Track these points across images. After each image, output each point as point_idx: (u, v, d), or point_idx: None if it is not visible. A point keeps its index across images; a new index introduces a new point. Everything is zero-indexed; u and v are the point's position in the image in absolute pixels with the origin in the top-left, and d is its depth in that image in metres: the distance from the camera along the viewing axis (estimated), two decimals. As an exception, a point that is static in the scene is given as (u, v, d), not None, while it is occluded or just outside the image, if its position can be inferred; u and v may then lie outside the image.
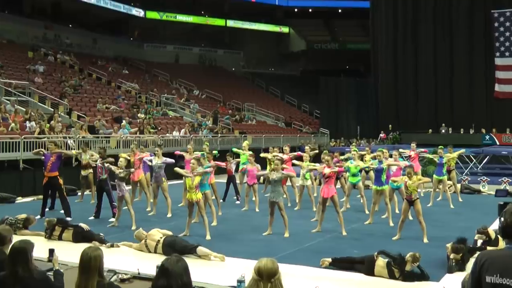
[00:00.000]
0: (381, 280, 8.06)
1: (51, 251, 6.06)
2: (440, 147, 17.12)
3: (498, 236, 8.54)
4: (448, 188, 16.62)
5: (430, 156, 17.63)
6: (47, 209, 13.83)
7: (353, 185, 14.79)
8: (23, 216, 11.31)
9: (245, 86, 49.41)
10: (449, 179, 17.03)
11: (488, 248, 8.53)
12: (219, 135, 29.92)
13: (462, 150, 18.95)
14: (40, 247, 7.52)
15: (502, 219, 3.40)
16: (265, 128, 36.78)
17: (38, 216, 12.64)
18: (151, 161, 14.80)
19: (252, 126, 36.64)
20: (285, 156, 15.63)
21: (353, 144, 25.28)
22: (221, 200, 15.41)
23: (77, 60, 36.73)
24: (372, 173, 14.41)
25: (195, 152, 15.35)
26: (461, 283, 6.68)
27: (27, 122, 20.88)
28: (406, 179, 11.02)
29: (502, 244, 7.81)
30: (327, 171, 11.77)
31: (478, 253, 5.92)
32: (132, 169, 13.10)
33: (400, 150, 16.62)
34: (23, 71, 29.69)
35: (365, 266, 8.34)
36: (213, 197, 13.72)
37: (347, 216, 12.69)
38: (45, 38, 39.56)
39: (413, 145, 17.92)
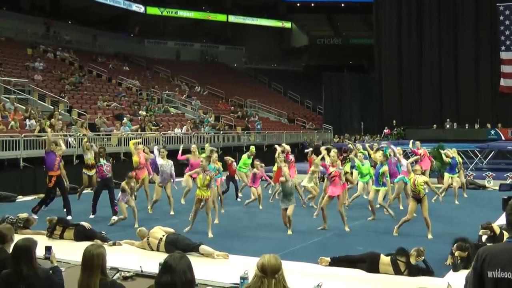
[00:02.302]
0: (386, 276, 8.03)
1: (48, 249, 5.93)
2: (453, 149, 17.03)
3: (503, 231, 8.55)
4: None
5: (443, 155, 17.21)
6: (45, 208, 13.66)
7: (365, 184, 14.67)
8: (24, 215, 11.25)
9: (247, 82, 49.25)
10: None
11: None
12: (221, 132, 29.73)
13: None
14: (42, 246, 7.40)
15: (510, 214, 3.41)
16: (268, 125, 36.63)
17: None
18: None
19: (255, 122, 36.40)
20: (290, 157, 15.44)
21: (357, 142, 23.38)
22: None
23: (77, 57, 36.51)
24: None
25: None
26: (465, 278, 6.60)
27: (27, 120, 20.79)
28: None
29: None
30: (332, 170, 11.80)
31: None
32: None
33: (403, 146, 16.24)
34: (22, 69, 29.49)
35: (368, 264, 8.28)
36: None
37: (351, 213, 12.56)
38: (44, 35, 39.35)
39: (418, 143, 17.66)
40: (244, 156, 17.22)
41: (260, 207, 14.78)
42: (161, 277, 4.02)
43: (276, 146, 16.12)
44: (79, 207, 14.20)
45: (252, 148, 17.61)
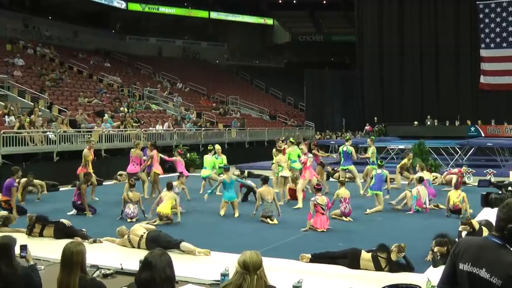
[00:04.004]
0: (367, 272, 8.07)
1: (24, 247, 5.86)
2: (371, 137, 17.37)
3: (483, 227, 8.67)
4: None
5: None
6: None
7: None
8: (3, 213, 11.12)
9: (229, 79, 49.21)
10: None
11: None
12: (202, 128, 29.66)
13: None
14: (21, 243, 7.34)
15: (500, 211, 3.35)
16: (249, 121, 36.61)
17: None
18: None
19: (237, 119, 36.36)
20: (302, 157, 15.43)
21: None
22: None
23: (58, 53, 36.19)
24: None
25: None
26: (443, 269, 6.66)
27: (6, 116, 20.57)
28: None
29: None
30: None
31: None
32: None
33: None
34: (1, 64, 29.05)
35: (349, 260, 8.31)
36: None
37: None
38: (24, 30, 38.89)
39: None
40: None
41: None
42: (141, 274, 4.01)
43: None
44: (59, 205, 14.15)
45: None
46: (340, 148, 16.86)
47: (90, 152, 15.36)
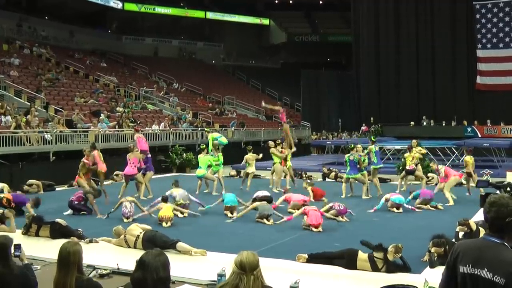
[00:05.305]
0: (364, 273, 8.04)
1: (18, 247, 5.83)
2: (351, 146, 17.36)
3: (480, 227, 8.62)
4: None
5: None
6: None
7: None
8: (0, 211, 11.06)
9: (225, 79, 49.17)
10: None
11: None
12: (199, 128, 29.63)
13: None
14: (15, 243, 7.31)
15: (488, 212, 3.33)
16: (246, 122, 36.56)
17: None
18: None
19: (233, 119, 36.35)
20: None
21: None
22: None
23: (54, 53, 36.13)
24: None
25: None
26: (442, 274, 6.61)
27: (3, 116, 20.56)
28: None
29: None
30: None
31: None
32: None
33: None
34: (-3, 64, 29.08)
35: (346, 261, 8.30)
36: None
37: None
38: (21, 30, 38.81)
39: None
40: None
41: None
42: (135, 273, 4.00)
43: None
44: (55, 205, 14.11)
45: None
46: (346, 157, 16.38)
47: (87, 163, 15.21)
